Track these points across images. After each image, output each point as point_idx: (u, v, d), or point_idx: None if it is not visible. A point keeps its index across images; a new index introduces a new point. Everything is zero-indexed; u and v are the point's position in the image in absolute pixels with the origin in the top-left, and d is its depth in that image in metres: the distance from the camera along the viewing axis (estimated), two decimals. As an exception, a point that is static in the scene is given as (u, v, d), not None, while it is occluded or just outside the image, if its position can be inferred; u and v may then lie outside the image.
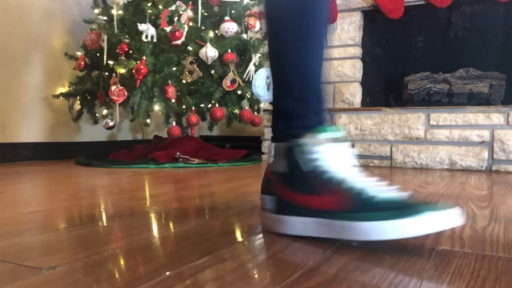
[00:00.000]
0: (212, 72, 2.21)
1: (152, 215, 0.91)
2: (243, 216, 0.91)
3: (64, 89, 2.53)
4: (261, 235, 0.74)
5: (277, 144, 0.77)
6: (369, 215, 0.63)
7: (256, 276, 0.53)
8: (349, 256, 0.61)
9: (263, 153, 2.51)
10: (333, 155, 0.70)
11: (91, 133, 2.74)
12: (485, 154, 1.96)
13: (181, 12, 2.04)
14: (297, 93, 0.76)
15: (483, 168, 1.96)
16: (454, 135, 2.02)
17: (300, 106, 0.76)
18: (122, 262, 0.59)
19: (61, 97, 2.45)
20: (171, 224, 0.83)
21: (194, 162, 2.14)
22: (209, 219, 0.88)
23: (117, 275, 0.53)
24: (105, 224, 0.83)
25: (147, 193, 1.24)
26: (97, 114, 2.48)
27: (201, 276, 0.53)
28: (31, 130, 2.41)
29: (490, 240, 0.70)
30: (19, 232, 0.76)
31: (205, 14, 2.31)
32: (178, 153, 2.21)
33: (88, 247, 0.66)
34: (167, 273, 0.54)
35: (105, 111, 2.42)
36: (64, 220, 0.86)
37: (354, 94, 2.52)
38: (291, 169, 0.73)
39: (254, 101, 2.38)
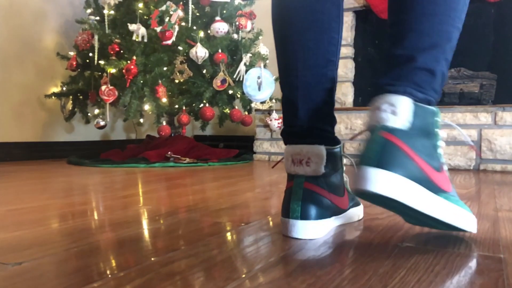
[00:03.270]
0: (204, 72, 2.23)
1: (139, 212, 0.93)
2: (226, 212, 0.92)
3: (56, 89, 2.54)
4: (239, 230, 0.75)
5: (421, 105, 0.63)
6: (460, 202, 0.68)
7: (216, 271, 0.54)
8: (314, 251, 0.62)
9: (254, 153, 2.52)
10: None
11: (83, 132, 2.75)
12: (473, 153, 1.97)
13: (171, 12, 2.05)
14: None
15: (471, 168, 1.97)
16: (442, 134, 2.03)
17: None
18: (89, 256, 0.60)
19: (53, 97, 2.47)
20: (159, 219, 0.84)
21: (184, 162, 2.15)
22: (195, 215, 0.89)
23: (82, 270, 0.54)
24: (85, 221, 0.84)
25: (135, 191, 1.25)
26: (89, 114, 2.49)
27: (183, 262, 0.54)
28: (23, 130, 2.42)
29: (454, 238, 0.71)
30: (-6, 229, 0.77)
31: (197, 14, 2.32)
32: (169, 152, 2.22)
33: (60, 243, 0.67)
34: (152, 259, 0.55)
35: (96, 111, 2.43)
36: (43, 217, 0.87)
37: (346, 94, 2.54)
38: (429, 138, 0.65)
39: (246, 101, 2.39)
